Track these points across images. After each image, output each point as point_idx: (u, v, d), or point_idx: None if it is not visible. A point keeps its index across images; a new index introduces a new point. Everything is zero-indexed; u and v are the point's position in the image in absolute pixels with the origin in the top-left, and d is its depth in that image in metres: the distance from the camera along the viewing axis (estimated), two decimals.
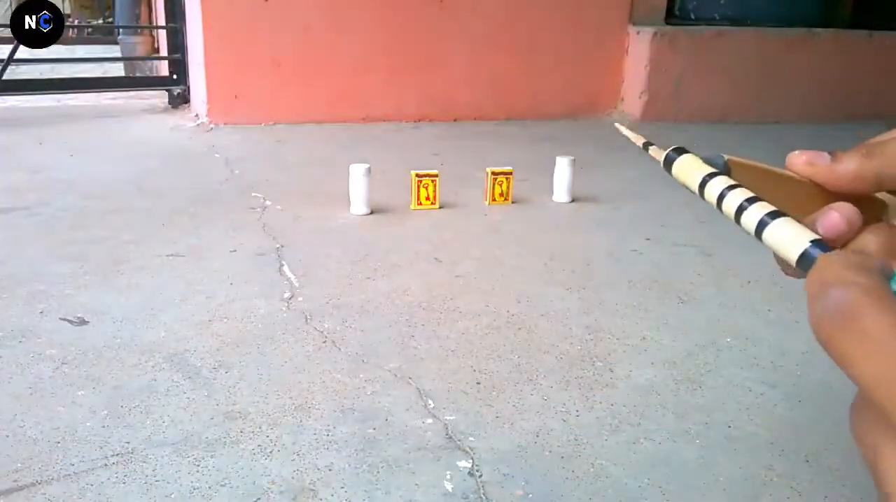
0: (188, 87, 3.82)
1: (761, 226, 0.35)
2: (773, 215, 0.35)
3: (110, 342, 1.33)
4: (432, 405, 1.16)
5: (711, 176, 0.37)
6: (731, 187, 0.36)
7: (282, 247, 1.85)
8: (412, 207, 2.21)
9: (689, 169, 0.38)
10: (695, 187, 0.38)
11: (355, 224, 2.07)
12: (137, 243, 1.84)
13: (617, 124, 0.48)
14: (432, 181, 2.22)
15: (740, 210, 0.35)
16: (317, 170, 2.67)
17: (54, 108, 3.90)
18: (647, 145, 0.41)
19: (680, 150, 0.39)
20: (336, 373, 1.25)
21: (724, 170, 0.38)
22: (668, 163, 0.40)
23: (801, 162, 0.39)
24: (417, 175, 2.21)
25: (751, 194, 0.35)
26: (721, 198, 0.37)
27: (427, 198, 2.22)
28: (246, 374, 1.23)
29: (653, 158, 0.41)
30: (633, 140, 0.42)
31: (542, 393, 1.21)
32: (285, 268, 1.71)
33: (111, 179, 2.45)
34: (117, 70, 5.33)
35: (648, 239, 2.03)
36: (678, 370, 1.31)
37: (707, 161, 0.38)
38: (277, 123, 3.53)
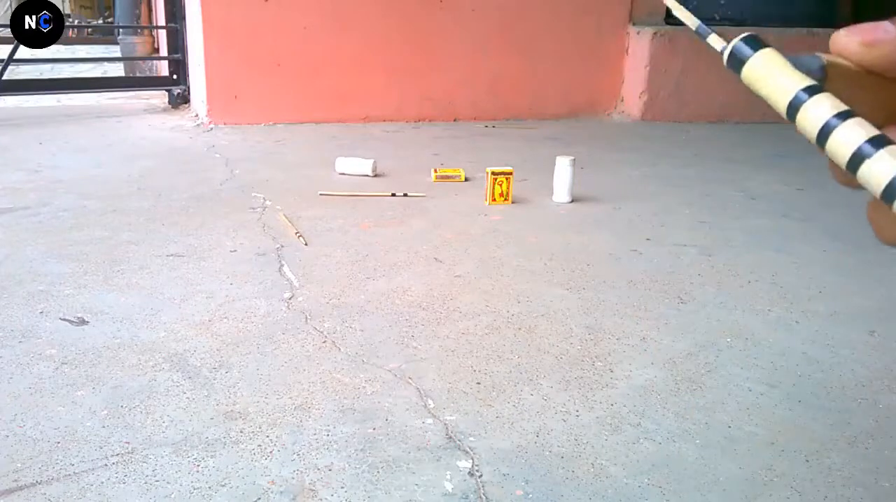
0: (188, 87, 3.82)
1: None
2: None
3: (110, 342, 1.33)
4: (432, 405, 1.16)
5: (809, 91, 0.26)
6: (841, 115, 0.25)
7: (282, 247, 1.85)
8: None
9: (773, 75, 0.26)
10: (780, 103, 0.26)
11: (356, 224, 2.07)
12: (137, 243, 1.84)
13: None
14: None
15: (860, 156, 0.24)
16: (317, 171, 2.66)
17: (54, 108, 3.90)
18: (703, 31, 0.30)
19: (755, 42, 0.27)
20: (336, 372, 1.25)
21: (822, 77, 0.27)
22: (737, 59, 0.27)
23: (853, 44, 0.27)
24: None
25: (874, 131, 0.24)
26: (826, 131, 0.25)
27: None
28: (246, 374, 1.23)
29: (711, 48, 0.29)
30: (686, 21, 0.31)
31: (542, 393, 1.21)
32: (285, 268, 1.71)
33: (111, 179, 2.45)
34: (117, 70, 5.33)
35: (648, 239, 2.02)
36: (678, 370, 1.30)
37: (798, 65, 0.26)
38: (277, 123, 3.53)
